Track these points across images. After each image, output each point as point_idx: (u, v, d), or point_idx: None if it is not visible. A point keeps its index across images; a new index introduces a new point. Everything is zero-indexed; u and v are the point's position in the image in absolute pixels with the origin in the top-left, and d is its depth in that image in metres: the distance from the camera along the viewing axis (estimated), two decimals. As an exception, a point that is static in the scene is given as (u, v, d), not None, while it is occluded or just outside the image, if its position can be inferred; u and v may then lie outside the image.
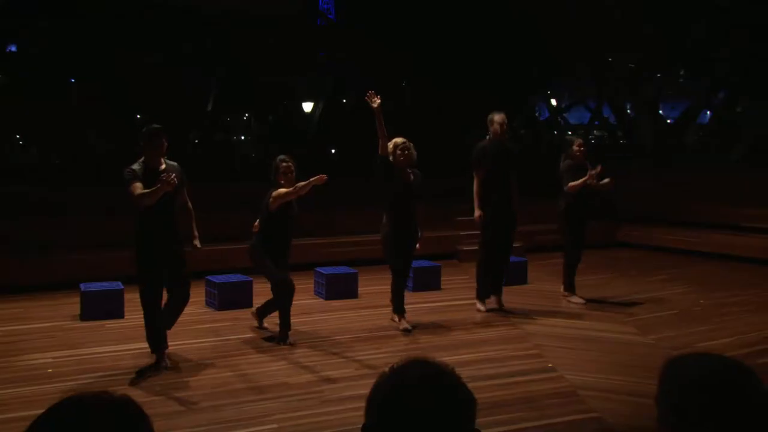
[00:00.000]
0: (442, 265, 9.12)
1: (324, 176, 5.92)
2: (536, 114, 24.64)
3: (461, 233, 11.06)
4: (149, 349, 5.81)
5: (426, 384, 1.24)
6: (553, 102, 24.91)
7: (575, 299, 7.96)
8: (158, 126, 5.66)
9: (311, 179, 5.94)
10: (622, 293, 8.37)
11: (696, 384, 1.37)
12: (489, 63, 17.73)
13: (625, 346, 6.32)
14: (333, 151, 22.47)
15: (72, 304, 7.62)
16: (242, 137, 27.75)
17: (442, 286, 8.81)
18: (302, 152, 20.60)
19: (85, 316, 7.26)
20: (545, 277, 9.38)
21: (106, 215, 9.81)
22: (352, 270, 8.66)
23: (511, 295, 8.37)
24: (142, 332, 6.72)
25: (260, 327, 6.82)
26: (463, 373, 5.24)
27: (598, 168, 7.66)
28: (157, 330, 5.72)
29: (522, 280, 9.13)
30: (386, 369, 1.30)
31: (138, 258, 5.61)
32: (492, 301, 7.65)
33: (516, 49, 17.61)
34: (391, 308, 7.07)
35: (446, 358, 5.73)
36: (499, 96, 18.83)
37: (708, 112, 20.55)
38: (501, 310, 7.58)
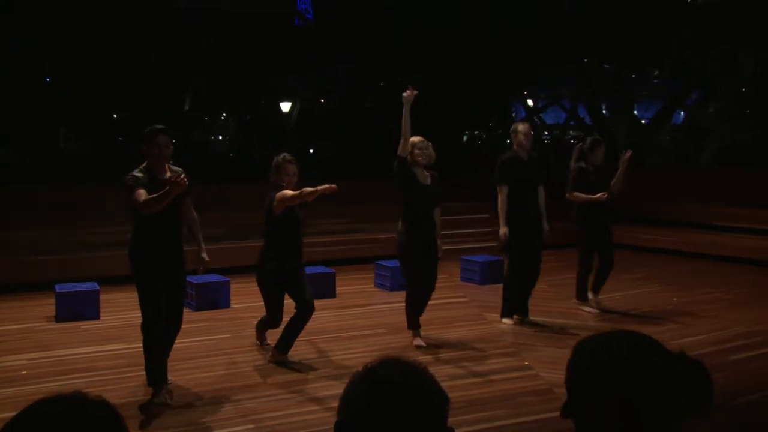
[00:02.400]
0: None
1: (334, 186, 5.30)
2: (513, 114, 24.79)
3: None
4: (146, 382, 5.12)
5: (398, 383, 1.25)
6: (530, 102, 25.07)
7: (588, 308, 7.65)
8: (161, 126, 5.05)
9: (319, 187, 5.34)
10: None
11: (580, 371, 1.38)
12: (474, 61, 17.75)
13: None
14: (311, 151, 22.46)
15: (47, 305, 7.55)
16: (219, 137, 27.66)
17: (419, 286, 8.83)
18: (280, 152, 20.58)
19: (60, 317, 7.20)
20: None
21: (82, 215, 9.75)
22: (329, 270, 8.67)
23: (489, 295, 8.44)
24: (118, 333, 6.71)
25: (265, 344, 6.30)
26: (441, 371, 5.27)
27: (628, 153, 7.23)
28: (159, 361, 5.04)
29: (499, 279, 9.19)
30: (360, 368, 1.31)
31: (140, 275, 4.97)
32: (517, 319, 7.22)
33: (502, 47, 17.65)
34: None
35: (424, 357, 5.77)
36: (479, 95, 18.90)
37: (681, 113, 20.85)
38: (528, 323, 7.18)
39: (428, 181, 6.28)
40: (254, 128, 22.88)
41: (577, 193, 7.35)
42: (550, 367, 5.74)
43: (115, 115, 18.92)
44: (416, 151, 6.17)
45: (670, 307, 7.86)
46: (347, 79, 20.22)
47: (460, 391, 5.01)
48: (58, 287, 7.45)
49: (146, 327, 5.02)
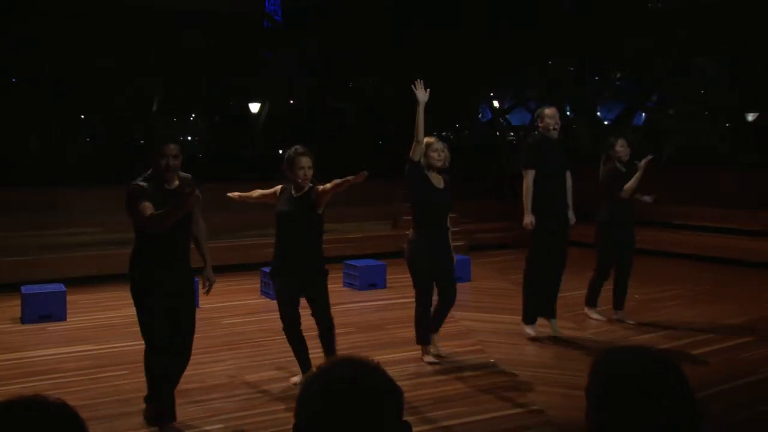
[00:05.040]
0: (388, 264, 9.23)
1: (365, 173, 4.92)
2: (479, 115, 24.97)
3: (407, 232, 11.19)
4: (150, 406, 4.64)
5: (351, 383, 1.26)
6: (496, 103, 25.26)
7: (596, 315, 7.36)
8: (171, 134, 4.60)
9: (348, 177, 5.02)
10: (561, 289, 8.58)
11: (618, 377, 1.41)
12: (438, 62, 17.83)
13: (563, 341, 6.52)
14: (280, 152, 22.41)
15: (12, 307, 7.48)
16: (188, 137, 27.48)
17: (387, 285, 8.91)
18: (249, 153, 20.53)
19: (26, 318, 7.14)
20: (487, 274, 9.58)
21: (48, 217, 9.65)
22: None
23: (457, 293, 8.53)
24: (85, 334, 6.68)
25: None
26: (407, 369, 5.33)
27: (649, 158, 6.90)
28: (168, 384, 4.56)
29: (466, 277, 9.33)
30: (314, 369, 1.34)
31: (143, 299, 4.38)
32: (544, 326, 6.68)
33: (469, 46, 17.71)
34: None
35: (391, 355, 5.85)
36: (445, 96, 18.98)
37: (643, 114, 21.24)
38: (557, 339, 6.56)
39: (442, 185, 5.79)
40: (222, 129, 22.76)
41: (627, 185, 6.96)
42: (515, 364, 5.85)
43: (82, 116, 18.67)
44: (432, 153, 5.67)
45: (632, 304, 8.01)
46: (312, 79, 20.24)
47: (426, 388, 5.07)
48: (23, 288, 7.38)
49: (152, 355, 4.47)
